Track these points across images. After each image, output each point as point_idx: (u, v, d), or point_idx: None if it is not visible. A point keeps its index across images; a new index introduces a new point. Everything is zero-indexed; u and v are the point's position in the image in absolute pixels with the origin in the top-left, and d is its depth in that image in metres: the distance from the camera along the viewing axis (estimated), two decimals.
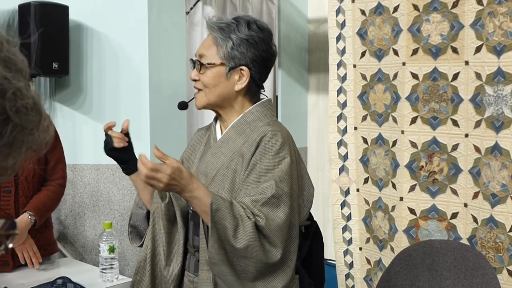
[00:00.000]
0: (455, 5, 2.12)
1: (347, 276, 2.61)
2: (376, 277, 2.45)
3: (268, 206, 1.52)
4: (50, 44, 2.94)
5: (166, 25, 3.18)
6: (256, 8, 3.64)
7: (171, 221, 1.73)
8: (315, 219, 1.82)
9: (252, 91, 1.69)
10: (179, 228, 1.73)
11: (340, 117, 2.54)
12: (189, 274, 1.72)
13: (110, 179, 3.16)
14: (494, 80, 2.03)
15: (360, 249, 2.55)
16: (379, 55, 2.37)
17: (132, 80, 3.14)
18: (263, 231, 1.51)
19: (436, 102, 2.21)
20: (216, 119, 1.78)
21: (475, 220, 2.14)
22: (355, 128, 2.50)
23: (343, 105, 2.52)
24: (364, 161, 2.49)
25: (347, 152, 2.53)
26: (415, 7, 2.22)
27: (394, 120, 2.33)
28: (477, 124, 2.10)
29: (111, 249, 2.22)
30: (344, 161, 2.55)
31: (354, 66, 2.47)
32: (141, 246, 1.81)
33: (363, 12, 2.41)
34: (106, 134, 1.71)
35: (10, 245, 0.59)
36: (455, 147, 2.18)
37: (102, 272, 2.24)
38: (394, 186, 2.36)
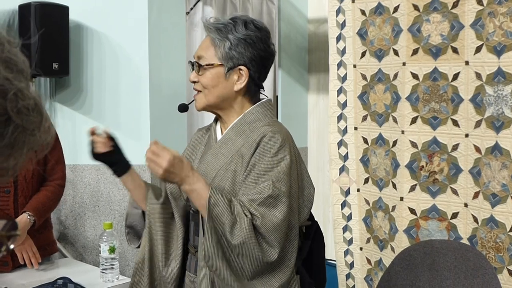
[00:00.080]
0: (455, 5, 2.12)
1: (348, 276, 2.61)
2: (377, 277, 2.45)
3: (265, 206, 1.53)
4: (50, 44, 2.95)
5: (166, 26, 3.18)
6: (256, 8, 3.64)
7: (168, 221, 1.73)
8: (315, 219, 1.82)
9: (252, 91, 1.69)
10: (178, 227, 1.72)
11: (340, 117, 2.54)
12: (190, 274, 1.72)
13: (111, 180, 3.16)
14: (494, 80, 2.03)
15: (361, 249, 2.55)
16: (379, 55, 2.37)
17: (132, 81, 3.14)
18: (259, 230, 1.51)
19: (436, 102, 2.21)
20: (216, 119, 1.78)
21: (475, 220, 2.14)
22: (356, 128, 2.50)
23: (343, 105, 2.52)
24: (365, 161, 2.49)
25: (347, 152, 2.53)
26: (415, 7, 2.22)
27: (394, 120, 2.33)
28: (477, 124, 2.10)
29: (112, 250, 2.22)
30: (344, 161, 2.55)
31: (354, 66, 2.47)
32: (138, 247, 1.81)
33: (363, 12, 2.41)
34: (91, 139, 1.71)
35: (12, 246, 0.59)
36: (455, 147, 2.18)
37: (103, 272, 2.24)
38: (394, 186, 2.36)
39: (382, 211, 2.43)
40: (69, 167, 3.21)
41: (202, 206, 1.53)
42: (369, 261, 2.52)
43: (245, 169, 1.60)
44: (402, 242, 2.32)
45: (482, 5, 2.05)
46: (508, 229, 2.03)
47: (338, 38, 2.51)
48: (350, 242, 2.58)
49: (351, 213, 2.55)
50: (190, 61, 1.71)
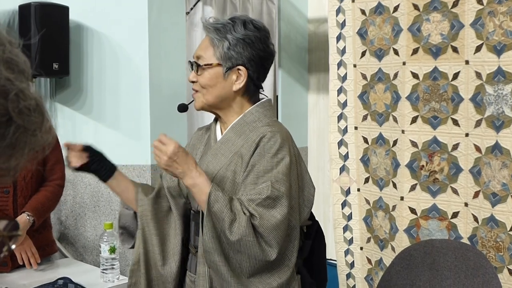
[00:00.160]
0: (455, 4, 2.12)
1: (348, 275, 2.61)
2: (377, 276, 2.46)
3: (263, 207, 1.53)
4: (51, 44, 2.95)
5: (166, 26, 3.18)
6: (256, 8, 3.64)
7: (161, 220, 1.73)
8: (316, 218, 1.82)
9: (251, 91, 1.69)
10: (177, 226, 1.72)
11: (340, 117, 2.54)
12: (190, 274, 1.72)
13: None
14: (494, 79, 2.03)
15: (361, 248, 2.55)
16: (379, 54, 2.37)
17: (132, 81, 3.14)
18: (258, 229, 1.52)
19: (437, 101, 2.21)
20: (216, 119, 1.78)
21: (475, 219, 2.15)
22: (356, 128, 2.50)
23: (344, 104, 2.52)
24: (365, 160, 2.49)
25: (347, 152, 2.53)
26: (415, 7, 2.22)
27: (395, 119, 2.33)
28: (478, 123, 2.10)
29: (112, 250, 2.22)
30: (344, 161, 2.55)
31: (355, 65, 2.47)
32: (132, 247, 1.81)
33: (363, 12, 2.41)
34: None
35: (13, 246, 0.59)
36: (455, 147, 2.18)
37: (103, 272, 2.25)
38: (394, 185, 2.36)
39: (382, 211, 2.43)
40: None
41: (202, 201, 1.54)
42: (369, 261, 2.52)
43: (244, 170, 1.60)
44: (402, 242, 2.32)
45: (482, 4, 2.05)
46: (508, 229, 2.04)
47: (338, 37, 2.51)
48: (350, 241, 2.58)
49: (351, 212, 2.55)
50: (190, 61, 1.72)
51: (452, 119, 2.18)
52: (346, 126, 2.52)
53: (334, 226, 2.61)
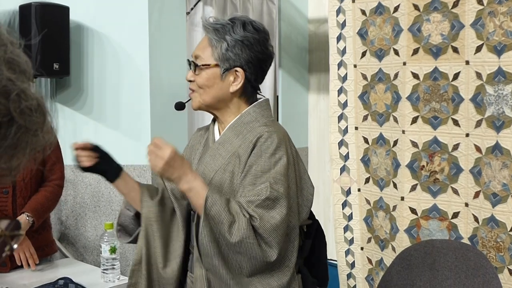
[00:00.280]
0: (455, 4, 2.12)
1: (349, 276, 2.61)
2: (378, 276, 2.46)
3: (263, 208, 1.52)
4: (51, 45, 2.95)
5: (166, 26, 3.18)
6: (256, 8, 3.64)
7: (166, 223, 1.73)
8: (316, 218, 1.82)
9: (248, 92, 1.68)
10: (180, 228, 1.72)
11: (341, 117, 2.54)
12: (191, 275, 1.72)
13: None
14: (495, 79, 2.03)
15: (362, 248, 2.55)
16: (379, 55, 2.37)
17: (133, 81, 3.15)
18: (258, 231, 1.51)
19: (437, 101, 2.21)
20: (214, 120, 1.78)
21: (476, 219, 2.15)
22: (356, 128, 2.50)
23: (344, 105, 2.52)
24: (365, 161, 2.49)
25: (348, 152, 2.54)
26: (416, 7, 2.22)
27: (395, 120, 2.33)
28: (478, 123, 2.10)
29: (113, 250, 2.22)
30: (345, 161, 2.55)
31: (355, 66, 2.47)
32: (130, 242, 1.81)
33: (363, 12, 2.41)
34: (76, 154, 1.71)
35: (15, 246, 0.59)
36: (456, 147, 2.18)
37: (104, 272, 2.25)
38: (395, 185, 2.36)
39: (383, 211, 2.43)
40: (70, 168, 3.22)
41: (199, 205, 1.54)
42: (370, 261, 2.53)
43: (242, 170, 1.60)
44: (403, 242, 2.32)
45: (482, 4, 2.05)
46: (508, 229, 2.04)
47: (339, 38, 2.51)
48: (351, 242, 2.58)
49: (352, 213, 2.56)
50: (188, 60, 1.71)
51: (453, 119, 2.18)
52: (347, 126, 2.52)
53: (335, 226, 2.61)
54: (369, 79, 2.43)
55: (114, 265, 2.25)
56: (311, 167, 4.08)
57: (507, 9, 1.99)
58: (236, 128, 1.67)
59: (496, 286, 1.80)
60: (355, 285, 2.59)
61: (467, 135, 2.15)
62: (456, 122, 2.17)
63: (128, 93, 3.16)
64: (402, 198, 2.32)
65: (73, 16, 3.11)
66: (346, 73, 2.50)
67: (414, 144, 2.27)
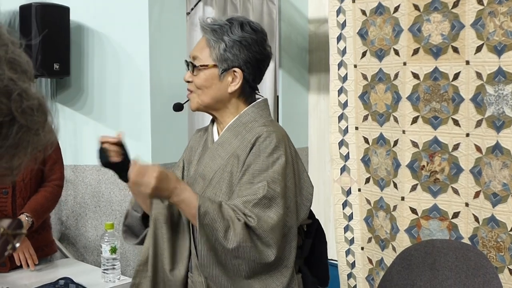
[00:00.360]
0: (455, 5, 2.13)
1: (349, 275, 2.61)
2: (378, 276, 2.46)
3: (260, 207, 1.52)
4: (51, 45, 2.95)
5: (167, 26, 3.18)
6: (256, 8, 3.64)
7: (175, 226, 1.72)
8: (316, 217, 1.82)
9: (246, 93, 1.68)
10: (185, 230, 1.72)
11: (341, 117, 2.54)
12: (191, 275, 1.72)
13: (111, 180, 3.17)
14: (495, 79, 2.03)
15: (362, 248, 2.55)
16: (380, 55, 2.37)
17: (133, 81, 3.15)
18: (256, 231, 1.51)
19: (437, 101, 2.21)
20: (213, 121, 1.77)
21: (476, 219, 2.15)
22: (356, 128, 2.50)
23: (344, 105, 2.52)
24: (366, 161, 2.49)
25: (348, 152, 2.54)
26: (416, 7, 2.22)
27: (395, 120, 2.33)
28: (478, 123, 2.10)
29: (113, 250, 2.22)
30: (345, 161, 2.55)
31: (355, 66, 2.47)
32: (137, 244, 1.80)
33: (363, 12, 2.41)
34: (102, 148, 1.65)
35: (17, 245, 0.59)
36: (456, 147, 2.18)
37: (104, 272, 2.25)
38: (395, 185, 2.36)
39: (383, 211, 2.44)
40: (70, 168, 3.22)
41: (192, 215, 1.53)
42: (370, 261, 2.53)
43: (240, 170, 1.60)
44: (403, 242, 2.32)
45: (483, 4, 2.05)
46: (509, 229, 2.04)
47: (339, 38, 2.51)
48: (351, 241, 2.58)
49: (352, 213, 2.56)
50: (186, 61, 1.71)
51: (453, 119, 2.18)
52: (347, 126, 2.53)
53: (335, 226, 2.62)
54: (369, 79, 2.43)
55: (115, 265, 2.25)
56: (312, 167, 4.08)
57: (507, 9, 1.99)
58: (235, 129, 1.66)
59: (497, 286, 1.80)
60: (355, 285, 2.60)
61: (467, 135, 2.15)
62: (456, 122, 2.17)
63: (128, 93, 3.16)
64: (403, 198, 2.32)
65: (74, 17, 3.11)
66: (347, 73, 2.50)
67: (415, 144, 2.27)
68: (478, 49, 2.08)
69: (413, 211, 2.31)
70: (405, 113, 2.28)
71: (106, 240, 2.22)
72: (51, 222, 2.62)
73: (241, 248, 1.49)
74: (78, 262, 2.70)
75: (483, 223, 2.11)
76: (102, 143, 1.65)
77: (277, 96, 3.85)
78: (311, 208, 1.74)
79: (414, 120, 2.27)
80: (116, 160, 1.64)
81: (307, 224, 1.76)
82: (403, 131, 2.30)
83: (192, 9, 3.33)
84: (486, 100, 2.07)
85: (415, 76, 2.25)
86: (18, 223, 0.60)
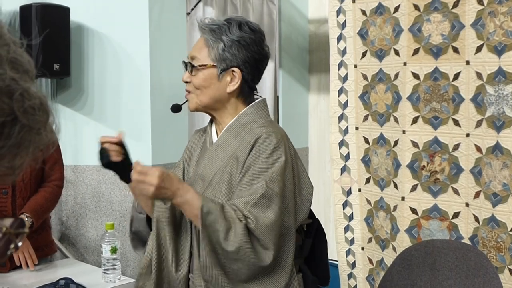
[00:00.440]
0: (455, 5, 2.13)
1: (350, 275, 2.61)
2: (378, 276, 2.46)
3: (258, 207, 1.52)
4: (52, 45, 2.95)
5: (167, 26, 3.18)
6: (256, 9, 3.64)
7: (177, 227, 1.72)
8: (316, 217, 1.82)
9: (245, 93, 1.68)
10: (187, 231, 1.72)
11: (341, 117, 2.54)
12: (192, 276, 1.72)
13: (112, 180, 3.17)
14: (495, 79, 2.03)
15: (362, 248, 2.55)
16: (380, 55, 2.37)
17: (133, 81, 3.15)
18: (254, 233, 1.51)
19: (437, 102, 2.21)
20: (211, 121, 1.77)
21: (476, 219, 2.15)
22: (357, 128, 2.50)
23: (344, 105, 2.52)
24: (366, 161, 2.49)
25: (348, 152, 2.54)
26: (416, 7, 2.22)
27: (396, 120, 2.33)
28: (478, 123, 2.10)
29: (113, 250, 2.22)
30: (345, 161, 2.55)
31: (355, 66, 2.47)
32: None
33: (363, 12, 2.41)
34: (102, 148, 1.63)
35: (20, 244, 0.59)
36: (456, 147, 2.18)
37: (105, 272, 2.25)
38: (395, 186, 2.36)
39: (383, 211, 2.44)
40: (71, 168, 3.22)
41: (195, 216, 1.53)
42: (370, 261, 2.53)
43: (240, 171, 1.59)
44: (403, 242, 2.32)
45: (483, 4, 2.05)
46: (509, 229, 2.04)
47: (339, 38, 2.51)
48: (351, 242, 2.58)
49: (352, 213, 2.56)
50: (184, 61, 1.71)
51: (453, 119, 2.18)
52: (347, 127, 2.53)
53: (335, 226, 2.62)
54: (369, 79, 2.43)
55: (115, 265, 2.25)
56: (312, 168, 4.08)
57: (507, 9, 1.99)
58: (234, 130, 1.66)
59: (497, 286, 1.80)
60: (356, 285, 2.60)
61: (468, 135, 2.15)
62: (456, 122, 2.17)
63: (128, 94, 3.16)
64: (403, 198, 2.32)
65: (74, 17, 3.12)
66: (347, 73, 2.50)
67: (415, 144, 2.28)
68: (478, 49, 2.08)
69: (413, 211, 2.31)
70: (405, 113, 2.28)
71: (106, 240, 2.22)
72: (51, 222, 2.62)
73: (241, 250, 1.49)
74: (78, 262, 2.70)
75: (483, 223, 2.11)
76: (103, 143, 1.63)
77: (277, 96, 3.85)
78: (311, 208, 1.74)
79: (414, 120, 2.27)
80: (117, 160, 1.62)
81: (307, 224, 1.76)
82: (403, 131, 2.30)
83: (192, 9, 3.33)
84: (486, 100, 2.07)
85: (415, 76, 2.25)
86: (21, 222, 0.60)
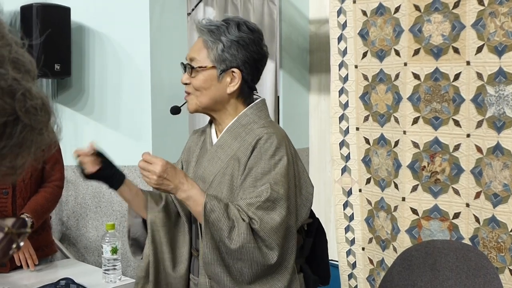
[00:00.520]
0: (456, 5, 2.13)
1: (350, 276, 2.61)
2: (379, 277, 2.46)
3: (263, 209, 1.52)
4: (52, 45, 2.95)
5: (167, 26, 3.18)
6: (257, 9, 3.64)
7: (172, 228, 1.72)
8: (316, 216, 1.82)
9: (245, 93, 1.68)
10: (185, 232, 1.72)
11: (342, 118, 2.54)
12: (194, 277, 1.72)
13: None
14: (496, 80, 2.03)
15: (363, 249, 2.55)
16: (380, 55, 2.37)
17: (134, 81, 3.15)
18: (259, 233, 1.51)
19: (438, 102, 2.21)
20: (211, 122, 1.77)
21: (477, 220, 2.15)
22: (357, 129, 2.50)
23: (345, 105, 2.52)
24: (366, 161, 2.49)
25: (349, 153, 2.54)
26: (417, 8, 2.22)
27: (396, 120, 2.33)
28: (479, 124, 2.10)
29: (114, 250, 2.22)
30: (346, 162, 2.55)
31: (356, 66, 2.47)
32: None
33: (364, 13, 2.41)
34: (79, 161, 1.63)
35: (21, 244, 0.59)
36: (457, 147, 2.18)
37: (105, 273, 2.25)
38: (396, 186, 2.36)
39: (384, 211, 2.44)
40: (71, 168, 3.22)
41: (198, 212, 1.53)
42: (371, 261, 2.53)
43: (242, 173, 1.59)
44: (404, 242, 2.32)
45: (483, 5, 2.05)
46: (509, 229, 2.04)
47: (340, 38, 2.51)
48: (352, 242, 2.58)
49: (353, 213, 2.56)
50: (182, 63, 1.70)
51: (454, 119, 2.18)
52: (348, 127, 2.53)
53: (336, 226, 2.62)
54: (370, 80, 2.43)
55: (116, 265, 2.25)
56: (312, 168, 4.08)
57: (508, 9, 1.99)
58: (234, 131, 1.66)
59: (497, 287, 1.80)
60: (356, 286, 2.60)
61: (468, 135, 2.15)
62: (457, 123, 2.17)
63: (129, 94, 3.16)
64: (403, 199, 2.32)
65: (74, 17, 3.12)
66: (347, 74, 2.50)
67: (415, 145, 2.28)
68: (479, 49, 2.08)
69: (414, 211, 2.31)
70: (405, 113, 2.28)
71: (107, 240, 2.22)
72: (51, 222, 2.62)
73: (244, 249, 1.49)
74: (79, 263, 2.70)
75: (484, 224, 2.11)
76: (78, 156, 1.63)
77: (278, 97, 3.85)
78: (312, 207, 1.74)
79: (415, 121, 2.27)
80: (90, 171, 1.62)
81: (308, 223, 1.76)
82: (404, 132, 2.30)
83: (192, 9, 3.33)
84: (486, 101, 2.07)
85: (416, 76, 2.25)
86: (23, 222, 0.60)
